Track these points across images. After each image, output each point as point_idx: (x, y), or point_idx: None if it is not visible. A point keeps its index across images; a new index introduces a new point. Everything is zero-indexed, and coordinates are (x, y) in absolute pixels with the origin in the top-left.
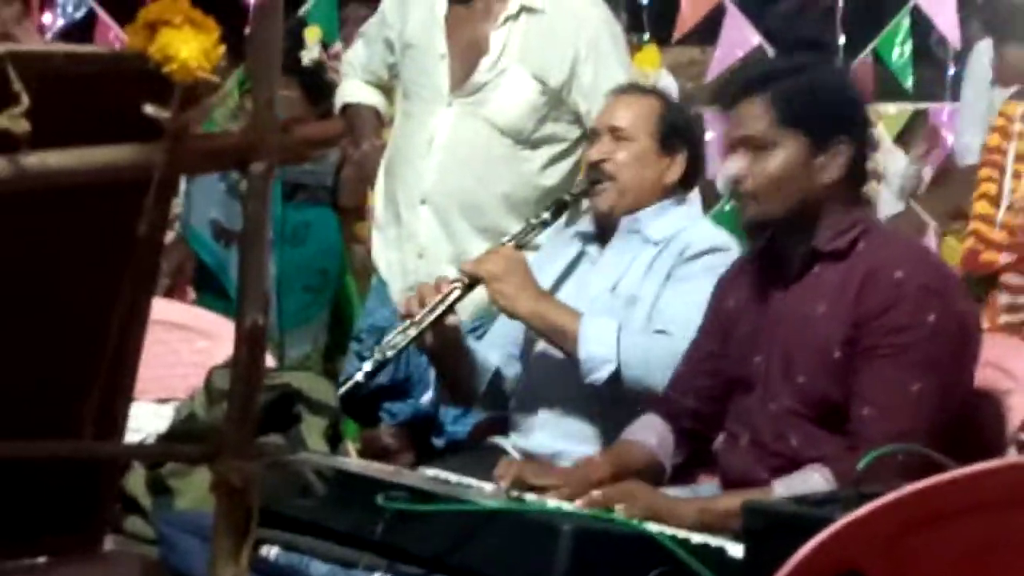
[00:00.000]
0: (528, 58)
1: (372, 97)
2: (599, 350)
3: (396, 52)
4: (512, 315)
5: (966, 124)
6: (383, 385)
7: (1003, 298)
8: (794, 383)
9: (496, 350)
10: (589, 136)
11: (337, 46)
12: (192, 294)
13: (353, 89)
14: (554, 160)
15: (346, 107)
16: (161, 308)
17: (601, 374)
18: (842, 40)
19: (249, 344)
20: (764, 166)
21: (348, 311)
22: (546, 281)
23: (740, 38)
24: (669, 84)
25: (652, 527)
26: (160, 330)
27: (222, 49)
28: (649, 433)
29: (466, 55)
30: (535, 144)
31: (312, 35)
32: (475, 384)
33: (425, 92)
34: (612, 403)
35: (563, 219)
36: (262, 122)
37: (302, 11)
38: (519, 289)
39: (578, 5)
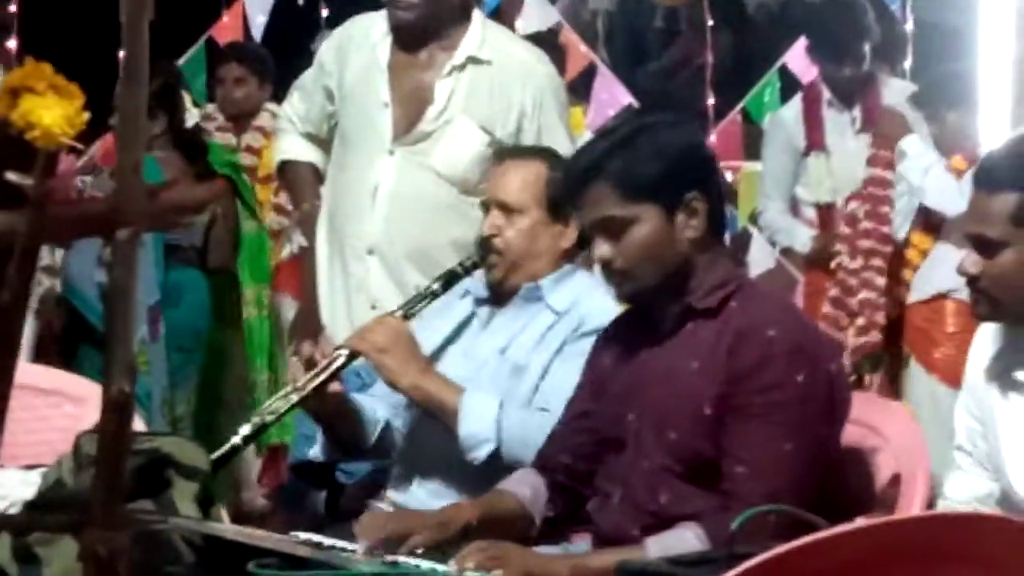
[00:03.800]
0: (474, 109)
1: (310, 153)
2: (479, 428)
3: (336, 101)
4: (394, 388)
5: (767, 189)
6: None
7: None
8: (666, 440)
9: (383, 402)
10: (481, 207)
11: (208, 106)
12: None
13: (290, 145)
14: None
15: (283, 164)
16: (30, 373)
17: (480, 453)
18: (711, 100)
19: (116, 411)
20: (628, 244)
21: (219, 372)
22: (435, 339)
23: (611, 98)
24: None
25: None
26: (29, 395)
27: (86, 116)
28: (523, 486)
29: (410, 104)
30: (480, 192)
31: None
32: (363, 437)
33: (365, 141)
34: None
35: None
36: (128, 188)
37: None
38: (402, 363)
39: (525, 59)
